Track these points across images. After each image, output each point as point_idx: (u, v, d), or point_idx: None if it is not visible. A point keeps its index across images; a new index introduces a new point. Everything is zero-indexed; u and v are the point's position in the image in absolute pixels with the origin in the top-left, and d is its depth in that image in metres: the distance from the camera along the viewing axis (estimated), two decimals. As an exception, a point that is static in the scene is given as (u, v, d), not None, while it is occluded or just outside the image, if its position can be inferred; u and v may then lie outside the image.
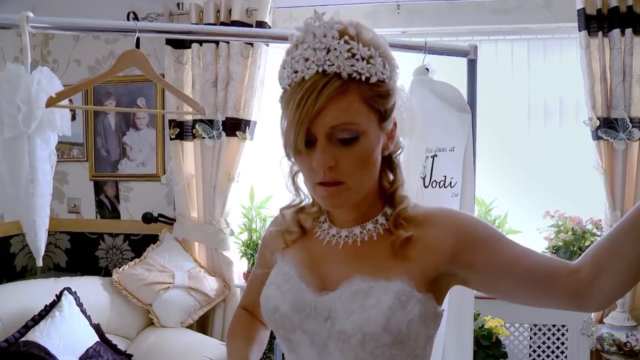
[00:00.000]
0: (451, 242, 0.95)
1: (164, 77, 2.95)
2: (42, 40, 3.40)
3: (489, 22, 2.91)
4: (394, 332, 0.90)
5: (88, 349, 2.53)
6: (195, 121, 3.00)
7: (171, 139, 3.07)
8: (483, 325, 2.58)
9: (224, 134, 2.94)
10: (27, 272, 3.35)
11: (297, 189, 1.05)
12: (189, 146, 3.08)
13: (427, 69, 1.87)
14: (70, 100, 2.53)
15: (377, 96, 0.91)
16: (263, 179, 3.10)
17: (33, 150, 1.70)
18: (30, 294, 2.68)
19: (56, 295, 2.60)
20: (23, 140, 1.69)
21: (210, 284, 2.95)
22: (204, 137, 2.99)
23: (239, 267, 3.12)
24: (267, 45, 2.93)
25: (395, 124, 1.00)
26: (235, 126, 2.93)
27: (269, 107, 2.96)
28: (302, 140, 0.89)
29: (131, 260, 3.04)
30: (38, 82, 1.69)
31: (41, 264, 1.79)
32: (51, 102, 1.70)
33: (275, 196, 3.03)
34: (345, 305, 0.93)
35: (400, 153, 1.05)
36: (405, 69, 1.83)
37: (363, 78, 0.88)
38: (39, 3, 3.01)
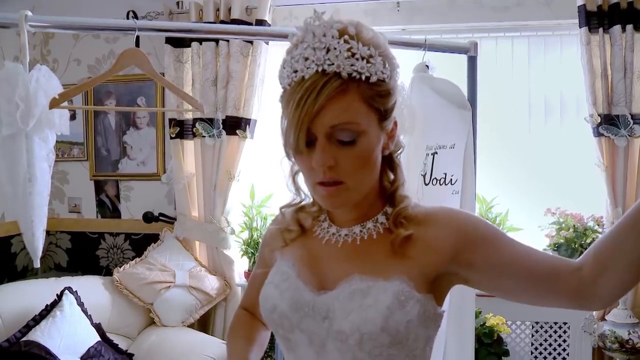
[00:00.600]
0: (451, 242, 0.94)
1: (164, 76, 2.95)
2: (42, 40, 3.40)
3: (489, 19, 2.90)
4: (392, 332, 0.90)
5: (89, 348, 2.52)
6: (195, 120, 3.00)
7: (171, 137, 3.06)
8: (484, 323, 2.57)
9: (224, 132, 2.94)
10: (28, 272, 3.34)
11: (297, 188, 1.05)
12: (189, 145, 3.07)
13: (427, 66, 1.87)
14: (71, 101, 2.53)
15: (377, 95, 0.91)
16: (263, 177, 3.09)
17: (31, 149, 1.70)
18: (31, 293, 2.68)
19: (57, 294, 2.60)
20: (21, 139, 1.69)
21: (211, 283, 2.94)
22: (204, 136, 2.98)
23: (240, 266, 3.11)
24: (267, 44, 2.93)
25: (395, 123, 0.99)
26: (236, 125, 2.92)
27: (269, 105, 2.96)
28: (302, 140, 0.89)
29: (132, 260, 3.04)
30: (37, 80, 1.68)
31: (38, 265, 1.78)
32: (55, 103, 1.70)
33: (275, 195, 3.03)
34: (344, 304, 0.93)
35: (401, 152, 1.04)
36: (405, 67, 1.82)
37: (363, 77, 0.88)
38: (39, 3, 3.00)
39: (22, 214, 1.75)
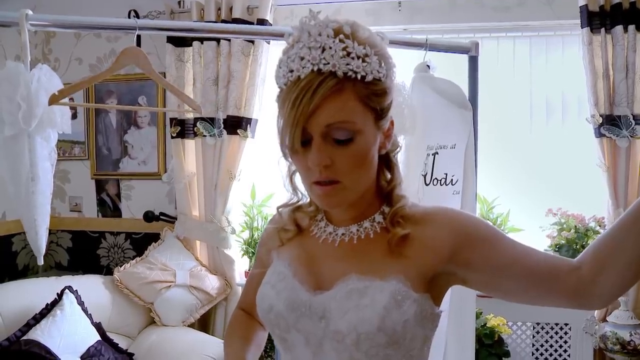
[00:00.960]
0: (450, 241, 0.94)
1: (165, 76, 2.95)
2: (44, 39, 3.40)
3: (490, 19, 2.90)
4: (389, 332, 0.90)
5: (89, 347, 2.52)
6: (196, 119, 2.99)
7: (172, 137, 3.06)
8: (485, 324, 2.57)
9: (225, 132, 2.94)
10: (28, 271, 3.35)
11: (294, 188, 1.05)
12: (190, 144, 3.07)
13: (428, 66, 1.87)
14: (72, 99, 2.53)
15: (372, 95, 0.91)
16: (264, 177, 3.09)
17: (33, 148, 1.70)
18: (32, 292, 2.69)
19: (57, 293, 2.60)
20: (23, 138, 1.69)
21: (212, 283, 2.94)
22: (205, 135, 2.98)
23: (241, 265, 3.11)
24: (269, 43, 2.93)
25: (392, 123, 0.99)
26: (237, 124, 2.92)
27: (270, 105, 2.95)
28: (298, 139, 0.89)
29: (133, 259, 3.04)
30: (38, 79, 1.69)
31: (42, 263, 1.78)
32: (54, 100, 1.70)
33: (276, 194, 3.03)
34: (340, 304, 0.93)
35: (398, 152, 1.04)
36: (406, 66, 1.83)
37: (358, 77, 0.88)
38: (40, 2, 3.00)
39: (25, 213, 1.75)
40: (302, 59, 0.87)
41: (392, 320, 0.90)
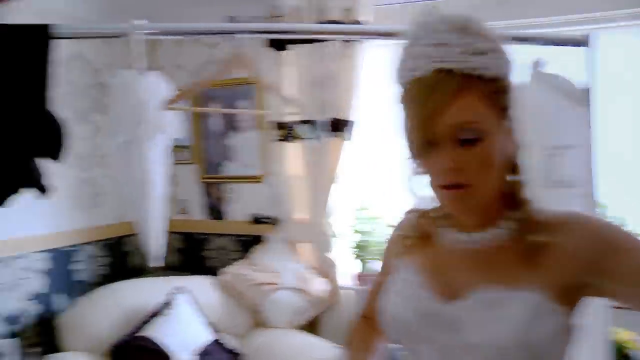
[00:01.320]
0: (588, 249, 0.86)
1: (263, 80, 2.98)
2: (149, 48, 3.53)
3: (606, 7, 2.67)
4: (526, 347, 0.83)
5: (201, 346, 2.60)
6: (297, 122, 3.00)
7: (275, 140, 3.09)
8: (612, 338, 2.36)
9: (326, 134, 2.92)
10: (141, 271, 3.50)
11: (416, 192, 1.00)
12: (291, 147, 3.09)
13: (541, 62, 1.76)
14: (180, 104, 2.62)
15: (495, 92, 0.85)
16: (367, 179, 3.06)
17: (145, 153, 1.77)
18: (145, 292, 2.81)
19: (169, 293, 2.70)
20: (136, 144, 1.76)
21: (319, 286, 2.92)
22: (306, 138, 2.98)
23: (349, 268, 3.10)
24: (363, 43, 2.86)
25: (514, 121, 0.92)
26: (337, 127, 2.90)
27: (371, 106, 2.91)
28: (422, 141, 0.85)
29: (238, 261, 3.10)
30: (148, 86, 1.76)
31: (160, 264, 1.84)
32: (168, 104, 1.77)
33: (381, 197, 2.99)
34: (474, 316, 0.87)
35: (521, 152, 0.97)
36: (516, 63, 1.72)
37: (480, 73, 0.83)
38: (144, 15, 3.12)
39: (139, 216, 1.83)
40: (422, 57, 0.84)
41: (530, 335, 0.83)
